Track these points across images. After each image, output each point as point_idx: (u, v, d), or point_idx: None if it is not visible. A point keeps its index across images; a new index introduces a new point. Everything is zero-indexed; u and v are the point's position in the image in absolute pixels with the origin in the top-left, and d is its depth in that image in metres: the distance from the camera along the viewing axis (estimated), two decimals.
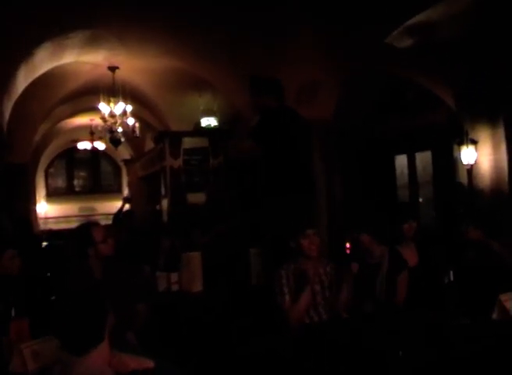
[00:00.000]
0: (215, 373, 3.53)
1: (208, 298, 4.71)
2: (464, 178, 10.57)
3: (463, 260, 4.16)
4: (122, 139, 11.06)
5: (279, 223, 4.25)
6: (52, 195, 21.71)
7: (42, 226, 17.07)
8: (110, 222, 9.60)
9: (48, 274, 5.33)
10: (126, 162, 19.75)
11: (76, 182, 22.76)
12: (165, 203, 13.91)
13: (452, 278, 3.62)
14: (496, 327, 3.26)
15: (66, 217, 20.11)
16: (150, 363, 2.40)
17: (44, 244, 10.69)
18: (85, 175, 22.88)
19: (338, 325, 3.62)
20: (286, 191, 4.49)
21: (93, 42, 8.09)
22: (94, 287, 3.72)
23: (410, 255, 4.31)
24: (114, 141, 10.78)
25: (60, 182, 22.42)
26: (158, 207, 14.92)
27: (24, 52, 7.08)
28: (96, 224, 4.13)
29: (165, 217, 13.71)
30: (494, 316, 3.29)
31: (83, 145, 17.52)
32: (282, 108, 4.82)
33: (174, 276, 4.93)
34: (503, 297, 3.28)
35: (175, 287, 4.91)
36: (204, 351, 4.05)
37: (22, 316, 3.17)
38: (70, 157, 22.11)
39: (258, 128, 4.83)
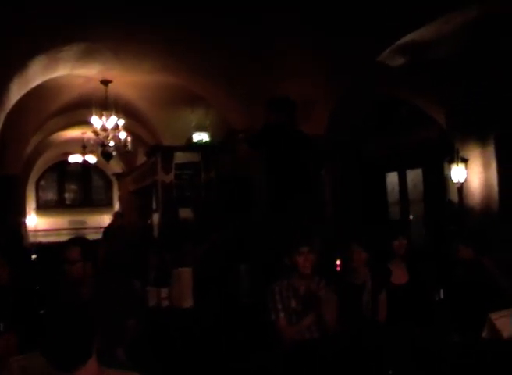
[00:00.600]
0: None
1: (198, 313, 4.68)
2: (454, 196, 10.62)
3: (453, 278, 4.17)
4: (114, 153, 11.04)
5: (274, 239, 4.27)
6: (42, 208, 21.59)
7: (32, 238, 16.94)
8: (100, 236, 9.58)
9: (37, 287, 5.30)
10: (117, 176, 19.71)
11: (66, 195, 22.65)
12: (156, 217, 13.88)
13: (442, 296, 3.61)
14: (485, 346, 3.26)
15: (56, 230, 19.99)
16: None
17: (34, 256, 10.65)
18: (76, 188, 22.77)
19: (330, 342, 3.61)
20: (288, 206, 4.56)
21: (87, 56, 8.08)
22: (82, 302, 3.69)
23: (400, 273, 4.32)
24: (105, 154, 10.75)
25: (51, 195, 22.30)
26: (149, 221, 14.87)
27: (18, 65, 7.05)
28: (71, 244, 3.86)
29: (156, 232, 13.68)
30: (484, 334, 3.29)
31: (75, 158, 17.46)
32: (288, 124, 4.98)
33: (164, 292, 4.91)
34: (494, 316, 3.28)
35: (165, 303, 4.89)
36: (195, 366, 4.03)
37: (10, 331, 3.13)
38: (61, 170, 22.02)
39: (258, 137, 4.95)
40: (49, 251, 12.09)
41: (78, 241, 3.96)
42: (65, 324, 2.26)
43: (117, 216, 9.51)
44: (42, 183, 21.96)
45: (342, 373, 3.03)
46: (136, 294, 4.85)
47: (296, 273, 3.89)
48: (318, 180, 5.28)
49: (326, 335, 3.76)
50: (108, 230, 8.51)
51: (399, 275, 4.27)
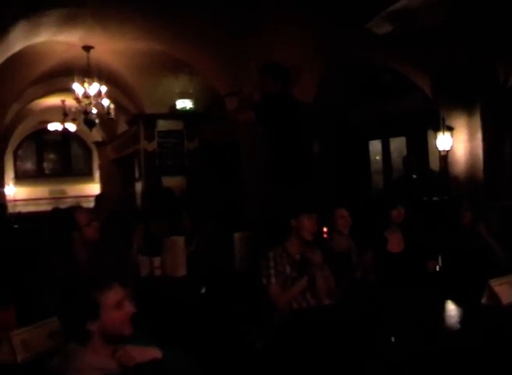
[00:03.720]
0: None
1: (192, 283, 4.66)
2: (435, 165, 10.69)
3: (451, 245, 4.20)
4: (97, 121, 10.85)
5: (279, 208, 4.26)
6: (21, 178, 21.25)
7: (11, 208, 16.75)
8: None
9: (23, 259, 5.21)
10: (97, 144, 19.44)
11: (45, 165, 22.30)
12: (139, 186, 13.77)
13: (440, 263, 3.64)
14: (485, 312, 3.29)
15: (36, 200, 19.79)
16: (157, 353, 2.32)
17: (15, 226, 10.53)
18: (55, 157, 22.43)
19: (328, 310, 3.62)
20: (289, 178, 4.57)
21: (69, 21, 7.87)
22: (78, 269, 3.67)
23: (396, 241, 4.34)
24: (88, 122, 10.56)
25: (29, 164, 21.95)
26: (131, 190, 14.77)
27: None
28: (79, 208, 4.08)
29: (138, 200, 13.59)
30: (484, 300, 3.32)
31: (54, 127, 17.15)
32: (286, 94, 4.95)
33: (157, 261, 4.86)
34: (493, 282, 3.30)
35: (158, 272, 4.85)
36: (189, 335, 4.02)
37: (7, 303, 3.06)
38: (40, 139, 21.62)
39: (263, 105, 4.91)
40: (29, 220, 12.02)
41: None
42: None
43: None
44: (20, 152, 21.58)
45: (341, 341, 3.03)
46: (131, 264, 4.83)
47: (295, 237, 3.88)
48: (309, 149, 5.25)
49: (322, 303, 3.77)
50: (100, 198, 8.32)
51: (395, 243, 4.30)
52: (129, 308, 2.29)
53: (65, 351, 2.24)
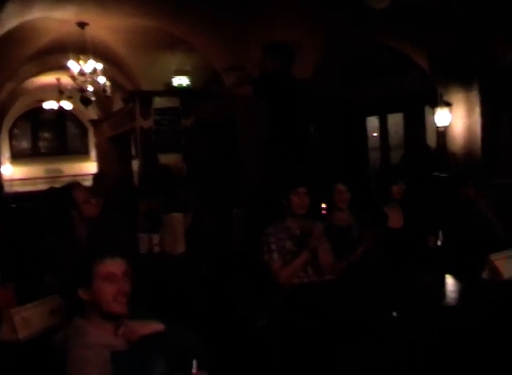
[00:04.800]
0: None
1: (191, 261, 4.65)
2: (433, 141, 10.66)
3: (452, 220, 4.21)
4: (93, 98, 10.77)
5: (277, 187, 4.26)
6: (17, 157, 21.17)
7: (7, 188, 16.71)
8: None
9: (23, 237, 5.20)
10: (93, 122, 19.35)
11: (41, 143, 22.19)
12: (135, 164, 13.74)
13: (441, 238, 3.64)
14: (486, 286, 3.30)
15: (32, 179, 19.74)
16: (159, 326, 2.33)
17: (13, 206, 10.50)
18: (51, 136, 22.30)
19: (329, 285, 3.62)
20: (287, 158, 4.58)
21: None
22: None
23: (396, 216, 4.35)
24: (84, 100, 10.49)
25: (25, 143, 21.83)
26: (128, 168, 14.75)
27: None
28: (77, 185, 4.02)
29: (136, 178, 13.56)
30: (484, 275, 3.32)
31: (50, 105, 17.04)
32: (285, 71, 4.93)
33: (156, 238, 4.84)
34: (494, 256, 3.30)
35: (156, 249, 4.84)
36: (189, 313, 4.02)
37: (7, 281, 3.06)
38: (35, 118, 21.46)
39: (261, 81, 4.90)
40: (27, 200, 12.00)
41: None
42: None
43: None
44: (15, 131, 21.45)
45: (343, 318, 3.03)
46: (128, 242, 4.82)
47: (291, 214, 3.88)
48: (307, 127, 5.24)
49: (323, 278, 3.77)
50: (98, 176, 8.28)
51: (395, 219, 4.30)
52: (122, 285, 2.26)
53: (70, 327, 2.23)
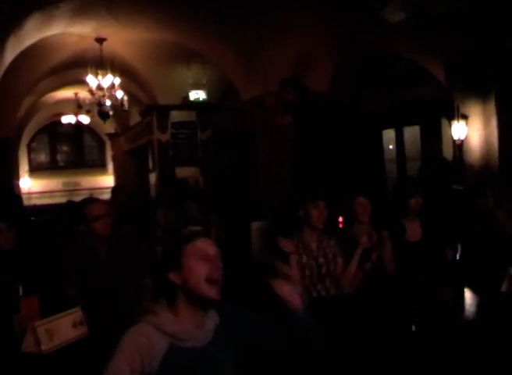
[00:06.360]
0: None
1: None
2: (449, 153, 10.61)
3: (471, 233, 4.19)
4: (111, 112, 10.88)
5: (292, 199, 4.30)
6: (35, 170, 21.39)
7: (26, 201, 16.86)
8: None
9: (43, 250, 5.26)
10: (110, 136, 19.54)
11: (59, 157, 22.41)
12: (152, 177, 13.83)
13: (460, 251, 3.63)
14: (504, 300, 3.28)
15: (50, 192, 19.91)
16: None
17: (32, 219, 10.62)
18: (68, 149, 22.53)
19: (348, 299, 3.62)
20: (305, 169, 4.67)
21: (81, 13, 7.91)
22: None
23: (415, 229, 4.33)
24: (102, 114, 10.59)
25: (43, 157, 22.06)
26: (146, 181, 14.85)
27: (13, 23, 6.88)
28: (92, 200, 3.97)
29: (153, 191, 13.64)
30: (503, 288, 3.31)
31: (68, 119, 17.23)
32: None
33: None
34: None
35: None
36: None
37: (31, 293, 3.10)
38: (53, 131, 21.71)
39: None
40: (44, 213, 12.12)
41: (96, 199, 4.01)
42: None
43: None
44: (34, 145, 21.70)
45: (362, 330, 3.03)
46: (146, 255, 4.84)
47: (308, 227, 3.89)
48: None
49: (342, 292, 3.78)
50: (116, 189, 8.35)
51: (413, 232, 4.29)
52: (216, 264, 2.11)
53: (152, 308, 2.10)
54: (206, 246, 2.13)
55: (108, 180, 20.59)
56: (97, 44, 9.84)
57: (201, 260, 2.09)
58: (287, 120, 5.10)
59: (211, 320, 2.16)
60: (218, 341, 2.14)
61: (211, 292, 2.08)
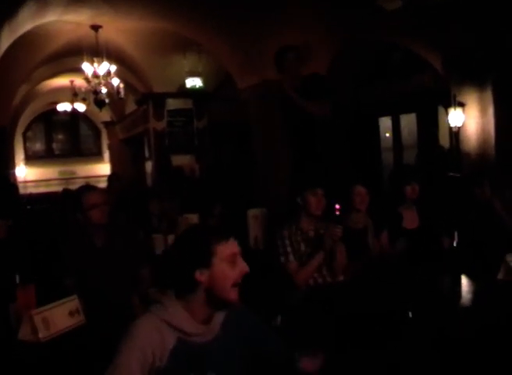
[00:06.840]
0: None
1: None
2: (445, 141, 10.63)
3: (468, 220, 4.20)
4: (107, 100, 10.83)
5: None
6: (31, 159, 21.35)
7: (22, 190, 16.82)
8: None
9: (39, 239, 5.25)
10: (106, 124, 19.48)
11: (55, 145, 22.35)
12: (148, 165, 13.80)
13: (457, 239, 3.64)
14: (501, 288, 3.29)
15: (46, 181, 19.88)
16: None
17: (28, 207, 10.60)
18: (64, 138, 22.47)
19: (345, 286, 3.63)
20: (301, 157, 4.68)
21: (77, 0, 7.83)
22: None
23: (411, 217, 4.34)
24: (98, 102, 10.54)
25: (39, 145, 21.99)
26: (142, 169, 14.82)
27: (8, 11, 6.80)
28: (87, 189, 3.86)
29: (149, 180, 13.62)
30: (500, 276, 3.32)
31: (63, 107, 17.15)
32: None
33: (171, 239, 4.87)
34: (510, 257, 3.30)
35: None
36: None
37: (28, 282, 3.09)
38: (48, 120, 21.63)
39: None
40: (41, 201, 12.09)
41: (93, 186, 3.96)
42: None
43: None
44: (29, 134, 21.63)
45: (358, 316, 3.03)
46: (143, 243, 4.83)
47: (305, 215, 3.88)
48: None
49: (337, 279, 3.78)
50: (112, 177, 8.33)
51: (410, 220, 4.29)
52: (242, 266, 2.06)
53: (160, 299, 2.07)
54: (235, 248, 2.07)
55: (104, 169, 20.55)
56: (92, 32, 9.76)
57: (231, 263, 2.03)
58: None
59: (219, 315, 2.13)
60: (225, 336, 2.12)
61: (234, 295, 2.04)
